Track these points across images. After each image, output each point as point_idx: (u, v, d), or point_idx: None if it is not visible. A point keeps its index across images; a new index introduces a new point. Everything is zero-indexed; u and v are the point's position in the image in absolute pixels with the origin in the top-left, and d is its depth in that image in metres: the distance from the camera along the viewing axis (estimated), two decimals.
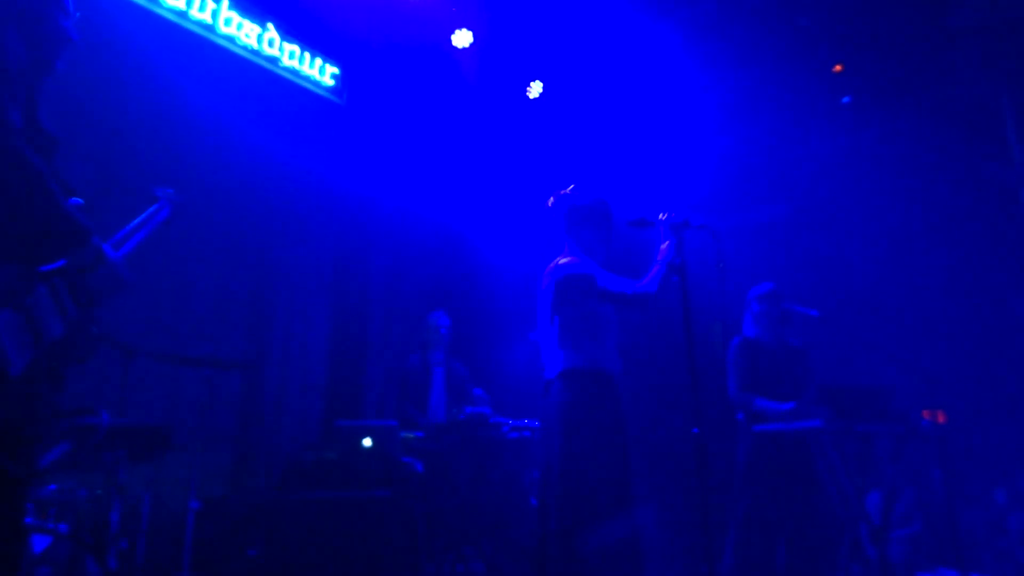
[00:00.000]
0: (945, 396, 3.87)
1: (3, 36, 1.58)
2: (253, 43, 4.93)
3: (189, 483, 3.27)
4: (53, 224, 1.55)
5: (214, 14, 4.67)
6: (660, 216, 2.70)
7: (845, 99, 5.86)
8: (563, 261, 2.80)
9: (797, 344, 3.91)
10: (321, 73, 5.44)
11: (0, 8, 1.60)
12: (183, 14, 4.50)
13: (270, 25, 5.04)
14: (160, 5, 4.37)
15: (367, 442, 3.73)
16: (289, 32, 5.18)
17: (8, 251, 1.51)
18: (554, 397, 2.69)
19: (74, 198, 1.76)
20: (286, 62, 5.17)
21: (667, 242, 2.65)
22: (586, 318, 2.73)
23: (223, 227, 4.64)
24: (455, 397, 4.51)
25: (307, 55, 5.33)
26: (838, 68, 5.67)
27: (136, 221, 2.27)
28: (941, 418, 3.50)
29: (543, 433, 2.75)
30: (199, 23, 4.59)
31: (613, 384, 2.75)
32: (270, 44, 5.04)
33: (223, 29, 4.73)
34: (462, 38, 5.59)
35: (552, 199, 2.98)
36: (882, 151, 5.61)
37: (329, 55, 5.49)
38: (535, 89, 6.12)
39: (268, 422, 4.65)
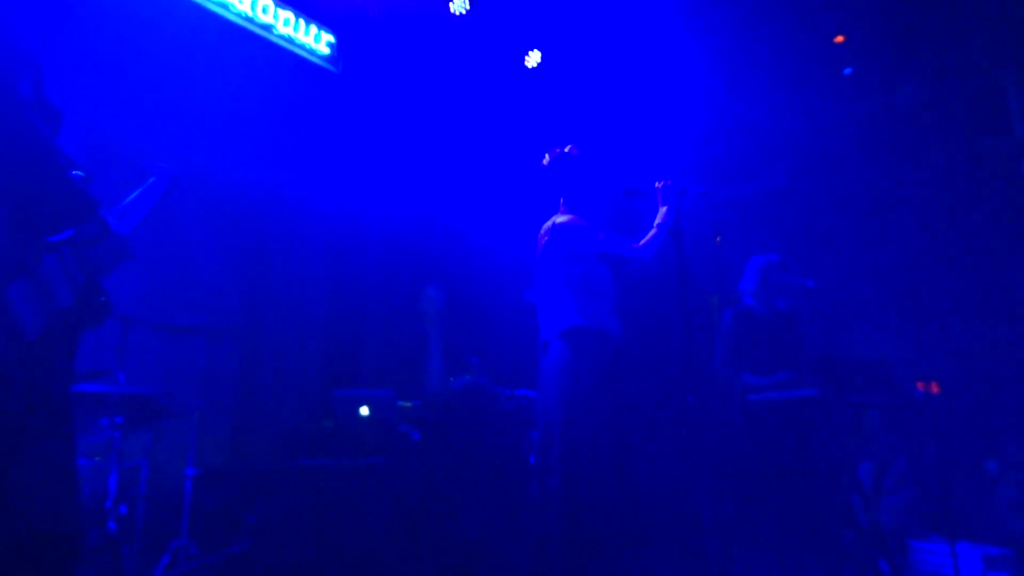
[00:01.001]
0: (940, 367, 3.90)
1: (11, 10, 1.57)
2: (247, 10, 4.86)
3: (187, 451, 3.30)
4: (62, 196, 1.60)
5: None
6: (657, 184, 2.69)
7: (847, 71, 5.81)
8: (560, 219, 2.80)
9: (790, 313, 3.92)
10: (316, 41, 5.38)
11: None
12: None
13: None
14: None
15: (364, 411, 3.75)
16: None
17: (18, 221, 1.53)
18: (554, 355, 2.69)
19: (75, 171, 1.76)
20: (281, 29, 5.10)
21: (665, 207, 2.64)
22: (585, 277, 2.73)
23: (218, 196, 4.62)
24: (451, 367, 4.53)
25: (302, 22, 5.26)
26: (840, 39, 5.61)
27: (133, 195, 2.28)
28: (935, 389, 3.53)
29: (541, 392, 2.76)
30: None
31: (613, 343, 2.76)
32: (264, 11, 4.97)
33: None
34: (459, 5, 5.52)
35: (547, 158, 2.97)
36: (882, 122, 5.57)
37: (324, 23, 5.42)
38: (533, 58, 6.05)
39: (266, 391, 4.68)
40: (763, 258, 3.90)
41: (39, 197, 1.55)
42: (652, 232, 2.67)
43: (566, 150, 2.95)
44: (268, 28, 5.01)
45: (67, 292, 1.63)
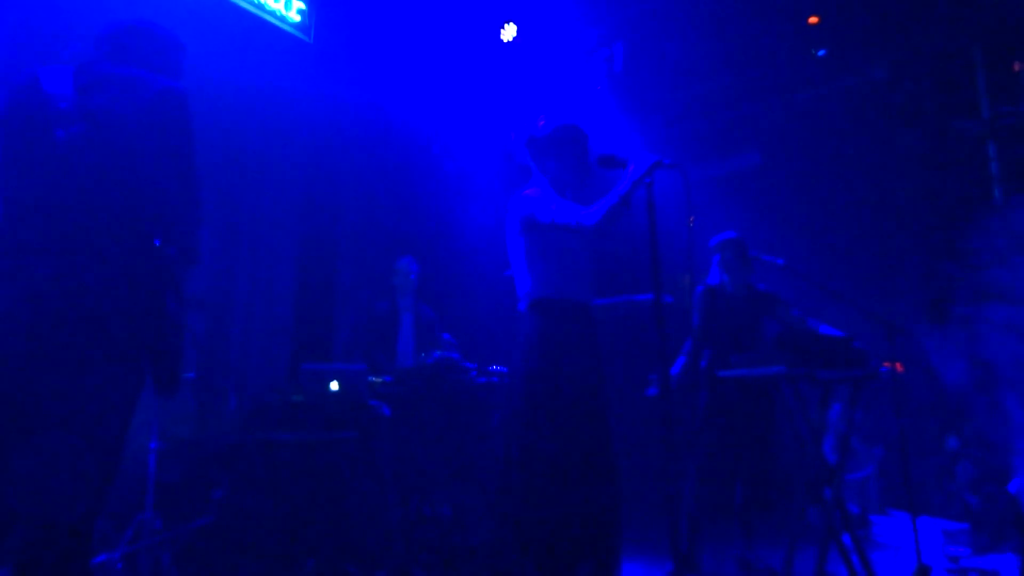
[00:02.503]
0: (907, 346, 3.96)
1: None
2: None
3: (151, 423, 3.24)
4: (198, 247, 2.04)
5: None
6: (629, 156, 2.65)
7: (820, 52, 5.84)
8: (524, 192, 2.77)
9: (765, 291, 3.93)
10: (287, 8, 5.24)
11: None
12: None
13: None
14: None
15: (334, 385, 3.71)
16: None
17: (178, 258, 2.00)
18: (522, 328, 2.65)
19: None
20: None
21: (628, 177, 2.55)
22: (547, 248, 2.68)
23: None
24: (424, 342, 4.50)
25: None
26: (813, 20, 5.63)
27: None
28: (899, 368, 3.59)
29: (510, 368, 2.72)
30: None
31: (585, 313, 2.71)
32: None
33: None
34: None
35: (515, 133, 2.92)
36: (854, 102, 5.61)
37: None
38: (508, 32, 5.98)
39: (233, 364, 4.61)
40: (722, 235, 3.92)
41: (188, 243, 2.01)
42: (604, 199, 2.56)
43: (532, 123, 2.90)
44: None
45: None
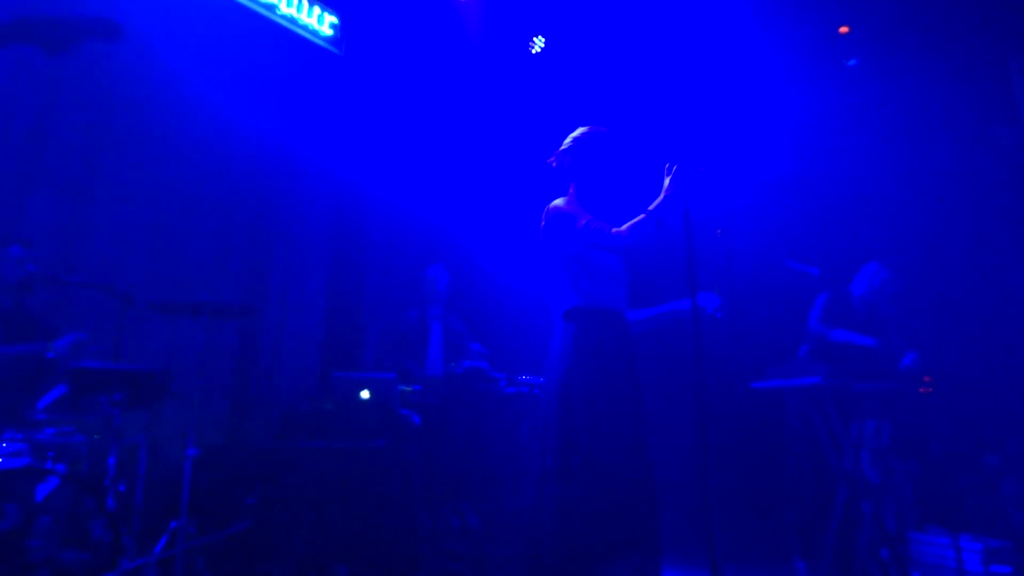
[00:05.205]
0: (943, 358, 3.88)
1: None
2: None
3: (187, 430, 3.27)
4: None
5: None
6: (666, 167, 2.64)
7: (851, 62, 5.78)
8: (554, 204, 2.77)
9: (886, 317, 3.90)
10: (320, 22, 5.32)
11: None
12: None
13: None
14: None
15: (365, 394, 3.72)
16: None
17: None
18: (556, 337, 2.65)
19: None
20: (284, 10, 5.05)
21: (664, 194, 2.56)
22: (580, 259, 2.67)
23: (220, 177, 4.58)
24: (453, 351, 4.50)
25: (305, 3, 5.21)
26: (844, 29, 5.59)
27: None
28: (927, 380, 3.52)
29: (545, 377, 2.70)
30: None
31: (620, 322, 2.69)
32: None
33: None
34: None
35: (547, 142, 2.93)
36: (888, 111, 5.54)
37: (328, 3, 5.37)
38: (538, 45, 6.01)
39: (265, 372, 4.65)
40: (875, 265, 3.94)
41: None
42: (638, 218, 2.56)
43: (571, 137, 2.90)
44: (271, 8, 4.96)
45: None
